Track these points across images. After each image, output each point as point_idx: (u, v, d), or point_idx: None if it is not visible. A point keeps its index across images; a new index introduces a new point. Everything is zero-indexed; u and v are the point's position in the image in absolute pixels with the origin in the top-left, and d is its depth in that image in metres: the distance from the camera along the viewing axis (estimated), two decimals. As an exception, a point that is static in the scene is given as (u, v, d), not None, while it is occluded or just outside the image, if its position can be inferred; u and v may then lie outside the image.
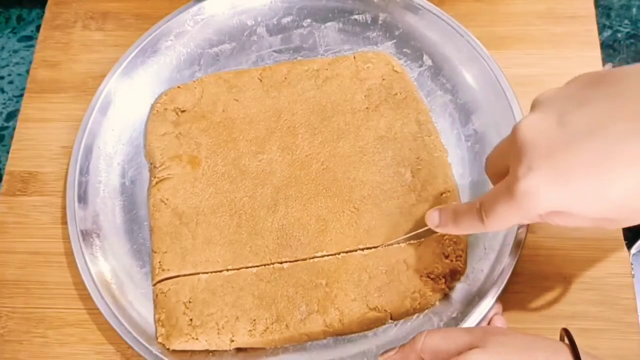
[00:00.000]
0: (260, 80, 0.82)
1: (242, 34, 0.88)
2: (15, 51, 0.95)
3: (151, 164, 0.79)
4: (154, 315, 0.72)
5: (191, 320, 0.69)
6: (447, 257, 0.70)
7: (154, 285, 0.73)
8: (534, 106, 0.54)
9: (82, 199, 0.77)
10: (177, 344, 0.69)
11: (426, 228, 0.68)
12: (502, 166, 0.56)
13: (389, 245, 0.72)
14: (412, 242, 0.71)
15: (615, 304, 0.71)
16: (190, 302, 0.70)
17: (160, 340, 0.69)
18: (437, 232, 0.67)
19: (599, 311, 0.71)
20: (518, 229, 0.70)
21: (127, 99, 0.83)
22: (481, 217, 0.56)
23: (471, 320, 0.67)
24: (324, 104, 0.80)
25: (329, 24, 0.87)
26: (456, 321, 0.68)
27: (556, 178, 0.48)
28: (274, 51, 0.87)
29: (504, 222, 0.55)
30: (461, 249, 0.71)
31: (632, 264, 0.74)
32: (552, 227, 0.73)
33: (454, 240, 0.71)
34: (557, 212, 0.51)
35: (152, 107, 0.83)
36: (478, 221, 0.57)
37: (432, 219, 0.65)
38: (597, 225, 0.52)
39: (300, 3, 0.88)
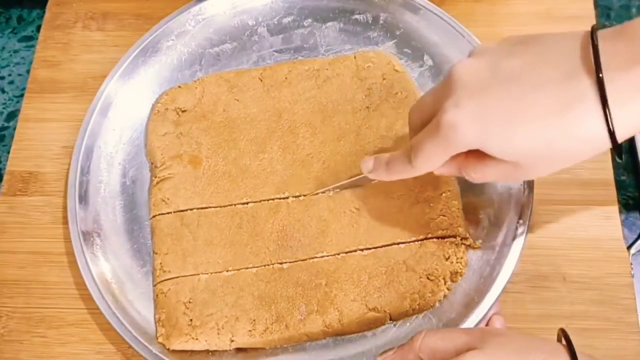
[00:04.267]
0: (261, 80, 0.82)
1: (243, 34, 0.88)
2: (15, 51, 0.95)
3: (152, 163, 0.80)
4: (154, 315, 0.72)
5: (191, 320, 0.69)
6: (447, 259, 0.70)
7: (155, 285, 0.73)
8: (470, 55, 0.58)
9: (83, 198, 0.77)
10: (177, 344, 0.69)
11: (362, 176, 0.70)
12: (430, 111, 0.59)
13: (326, 190, 0.75)
14: (412, 243, 0.71)
15: (615, 304, 0.71)
16: (190, 302, 0.71)
17: (160, 340, 0.70)
18: (374, 181, 0.70)
19: (598, 311, 0.71)
20: (517, 228, 0.70)
21: (128, 99, 0.83)
22: (409, 158, 0.59)
23: (470, 321, 0.67)
24: (325, 104, 0.80)
25: (329, 23, 0.87)
26: (455, 322, 0.68)
27: (478, 115, 0.53)
28: (275, 51, 0.87)
29: (429, 160, 0.58)
30: (462, 251, 0.71)
31: (632, 264, 0.74)
32: (552, 227, 0.74)
33: (455, 242, 0.71)
34: (474, 158, 0.57)
35: (153, 107, 0.83)
36: (407, 163, 0.60)
37: (366, 165, 0.67)
38: (506, 177, 0.58)
39: (301, 3, 0.88)
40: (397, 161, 0.63)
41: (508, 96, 0.52)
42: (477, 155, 0.56)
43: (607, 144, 0.51)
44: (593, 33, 0.51)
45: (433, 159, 0.58)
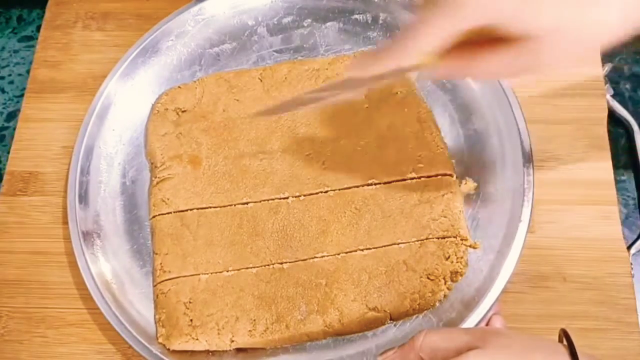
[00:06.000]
0: (261, 80, 0.82)
1: (243, 34, 0.88)
2: (15, 51, 0.95)
3: (152, 163, 0.80)
4: (155, 316, 0.72)
5: (191, 320, 0.69)
6: (447, 258, 0.70)
7: (155, 285, 0.73)
8: None
9: (83, 198, 0.77)
10: (178, 344, 0.69)
11: (342, 80, 0.63)
12: None
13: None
14: (411, 242, 0.71)
15: (615, 304, 0.72)
16: (190, 302, 0.71)
17: (160, 340, 0.70)
18: (356, 88, 0.61)
19: (599, 311, 0.71)
20: (517, 228, 0.70)
21: (127, 99, 0.83)
22: (404, 36, 0.51)
23: (470, 321, 0.67)
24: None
25: (329, 23, 0.87)
26: (455, 322, 0.68)
27: None
28: (275, 51, 0.87)
29: (430, 33, 0.50)
30: (462, 251, 0.71)
31: (632, 264, 0.74)
32: (552, 227, 0.74)
33: (455, 242, 0.71)
34: (485, 48, 0.51)
35: (153, 107, 0.83)
36: (400, 42, 0.51)
37: (348, 66, 0.59)
38: (520, 66, 0.52)
39: (300, 3, 0.88)
40: (388, 44, 0.53)
41: None
42: (486, 46, 0.51)
43: (623, 29, 0.49)
44: None
45: (435, 36, 0.50)
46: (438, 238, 0.71)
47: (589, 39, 0.50)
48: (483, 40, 0.51)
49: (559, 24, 0.49)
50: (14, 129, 0.85)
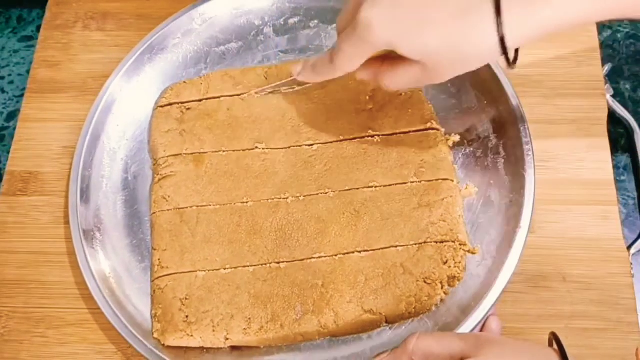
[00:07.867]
0: (266, 78, 0.82)
1: (249, 34, 0.88)
2: (15, 51, 0.96)
3: (154, 160, 0.80)
4: (151, 311, 0.72)
5: (187, 316, 0.70)
6: (445, 263, 0.70)
7: (152, 281, 0.73)
8: None
9: (85, 192, 0.77)
10: (172, 340, 0.69)
11: (292, 78, 0.74)
12: (353, 14, 0.62)
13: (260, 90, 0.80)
14: (409, 245, 0.71)
15: (615, 304, 0.71)
16: (186, 298, 0.71)
17: (155, 335, 0.70)
18: (304, 85, 0.77)
19: (599, 311, 0.71)
20: (515, 233, 0.70)
21: (133, 96, 0.84)
22: (331, 57, 0.64)
23: (466, 326, 0.67)
24: (329, 104, 0.80)
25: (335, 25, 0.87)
26: (451, 326, 0.67)
27: (392, 13, 0.57)
28: (280, 51, 0.87)
29: (349, 59, 0.63)
30: (460, 256, 0.70)
31: (632, 264, 0.73)
32: (552, 227, 0.74)
33: (454, 246, 0.71)
34: (388, 65, 0.63)
35: (157, 102, 0.83)
36: (329, 63, 0.65)
37: (296, 68, 0.71)
38: (415, 81, 0.62)
39: (307, 4, 0.88)
40: (321, 62, 0.67)
41: None
42: (390, 62, 0.63)
43: (499, 50, 0.56)
44: None
45: (352, 59, 0.63)
46: (436, 242, 0.71)
47: (466, 61, 0.59)
48: (393, 56, 0.62)
49: (436, 50, 0.58)
50: (14, 129, 0.86)
